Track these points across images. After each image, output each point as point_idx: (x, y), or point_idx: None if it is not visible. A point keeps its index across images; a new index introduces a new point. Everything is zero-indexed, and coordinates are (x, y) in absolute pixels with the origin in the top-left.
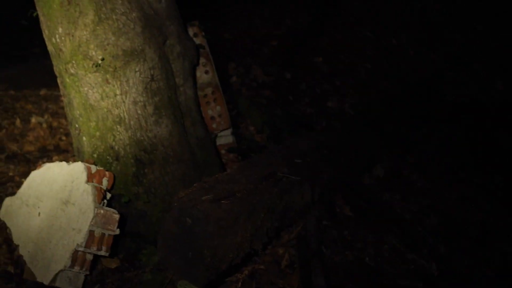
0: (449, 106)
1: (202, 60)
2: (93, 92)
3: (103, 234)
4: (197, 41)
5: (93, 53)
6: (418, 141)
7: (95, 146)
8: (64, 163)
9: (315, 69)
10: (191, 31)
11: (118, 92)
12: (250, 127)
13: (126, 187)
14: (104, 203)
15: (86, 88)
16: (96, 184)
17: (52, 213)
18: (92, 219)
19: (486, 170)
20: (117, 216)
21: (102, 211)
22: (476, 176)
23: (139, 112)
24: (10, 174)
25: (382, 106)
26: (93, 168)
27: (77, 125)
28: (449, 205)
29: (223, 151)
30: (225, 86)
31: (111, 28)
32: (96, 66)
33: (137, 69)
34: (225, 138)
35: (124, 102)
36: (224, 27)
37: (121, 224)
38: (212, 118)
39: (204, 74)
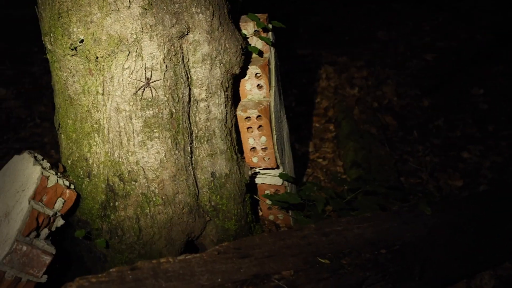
0: None
1: (255, 70)
2: (73, 82)
3: (18, 279)
4: (255, 43)
5: (74, 29)
6: None
7: (71, 150)
8: (32, 159)
9: (468, 103)
10: (249, 28)
11: (100, 90)
12: (338, 161)
13: (91, 217)
14: (38, 234)
15: (65, 74)
16: (38, 206)
17: None
18: (6, 256)
19: None
20: (47, 259)
21: (24, 248)
22: None
23: (121, 124)
24: None
25: None
26: (52, 180)
27: (57, 117)
28: None
29: (267, 191)
30: (340, 96)
31: None
32: (73, 49)
33: (126, 66)
34: (271, 178)
35: (105, 105)
36: (385, 26)
37: (67, 263)
38: (253, 149)
39: (256, 89)
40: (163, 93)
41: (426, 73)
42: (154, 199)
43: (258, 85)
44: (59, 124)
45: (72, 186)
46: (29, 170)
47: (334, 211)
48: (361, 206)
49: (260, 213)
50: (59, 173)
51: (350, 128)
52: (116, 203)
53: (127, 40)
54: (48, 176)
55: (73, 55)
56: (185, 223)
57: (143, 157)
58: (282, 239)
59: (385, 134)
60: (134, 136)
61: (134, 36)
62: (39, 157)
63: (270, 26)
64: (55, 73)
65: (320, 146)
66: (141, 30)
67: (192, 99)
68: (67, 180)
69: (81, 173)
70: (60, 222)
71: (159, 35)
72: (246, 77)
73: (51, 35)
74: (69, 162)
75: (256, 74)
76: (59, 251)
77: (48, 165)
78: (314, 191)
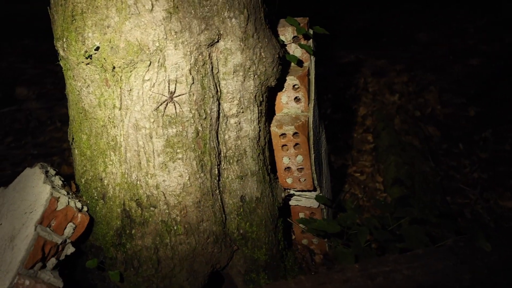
0: None
1: (294, 82)
2: (88, 93)
3: None
4: (293, 50)
5: (89, 34)
6: None
7: (85, 168)
8: (43, 176)
9: None
10: (287, 34)
11: (117, 103)
12: (378, 177)
13: (105, 244)
14: (44, 265)
15: (79, 84)
16: (45, 234)
17: (0, 239)
18: None
19: None
20: None
21: (27, 283)
22: None
23: (140, 143)
24: None
25: None
26: (62, 202)
27: (71, 130)
28: None
29: (302, 214)
30: (379, 103)
31: (116, 1)
32: (88, 56)
33: (147, 78)
34: (306, 200)
35: (123, 121)
36: (425, 27)
37: None
38: (288, 169)
39: (293, 102)
40: (188, 109)
41: (471, 79)
42: (175, 227)
43: (295, 98)
44: (73, 138)
45: (85, 208)
46: (39, 189)
47: (376, 240)
48: (408, 236)
49: (293, 237)
50: (71, 193)
51: (391, 140)
52: (133, 231)
53: (149, 48)
54: (58, 197)
55: (88, 64)
56: (209, 254)
57: (164, 181)
58: (322, 284)
59: (428, 146)
60: (154, 157)
61: (157, 44)
62: (51, 172)
63: (311, 32)
64: (68, 82)
65: (357, 158)
66: (165, 37)
67: (221, 115)
68: (79, 201)
69: (95, 194)
70: (70, 250)
71: (186, 42)
72: (283, 89)
73: (64, 40)
74: (83, 180)
75: (294, 86)
76: (68, 281)
77: (60, 182)
78: (355, 219)
